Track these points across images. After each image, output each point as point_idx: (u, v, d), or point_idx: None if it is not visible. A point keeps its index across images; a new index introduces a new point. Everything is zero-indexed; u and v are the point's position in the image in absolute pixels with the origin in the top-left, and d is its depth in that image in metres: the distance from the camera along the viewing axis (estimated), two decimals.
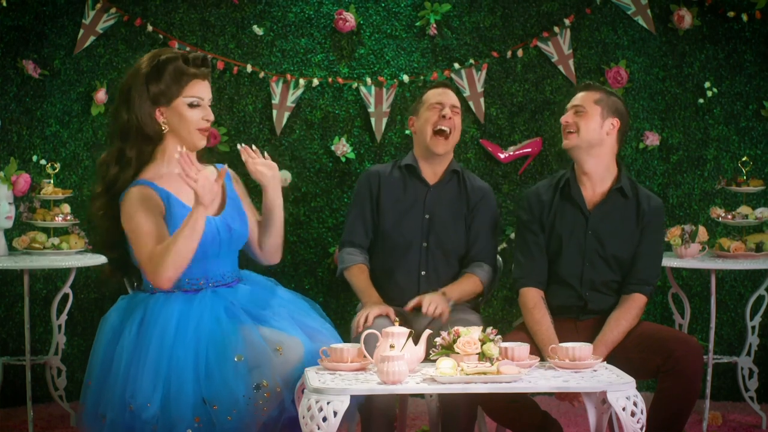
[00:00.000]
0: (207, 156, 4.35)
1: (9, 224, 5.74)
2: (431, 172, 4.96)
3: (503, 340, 4.11)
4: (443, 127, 4.87)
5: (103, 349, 4.08)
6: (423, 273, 4.89)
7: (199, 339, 4.01)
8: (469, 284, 4.84)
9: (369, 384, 3.80)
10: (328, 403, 3.71)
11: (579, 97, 4.70)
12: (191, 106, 4.14)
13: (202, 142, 4.19)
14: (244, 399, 3.91)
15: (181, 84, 4.13)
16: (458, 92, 4.96)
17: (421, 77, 6.15)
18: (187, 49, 5.98)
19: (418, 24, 6.16)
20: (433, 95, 4.94)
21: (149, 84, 4.11)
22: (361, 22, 6.16)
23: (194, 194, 3.96)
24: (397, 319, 4.20)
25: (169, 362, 3.95)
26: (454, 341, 3.95)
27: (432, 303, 4.64)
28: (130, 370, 3.95)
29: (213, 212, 4.17)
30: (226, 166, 4.19)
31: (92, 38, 6.10)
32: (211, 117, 4.18)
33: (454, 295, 4.74)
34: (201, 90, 4.16)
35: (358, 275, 4.86)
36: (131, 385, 3.93)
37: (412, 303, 4.69)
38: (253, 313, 4.11)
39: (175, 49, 4.19)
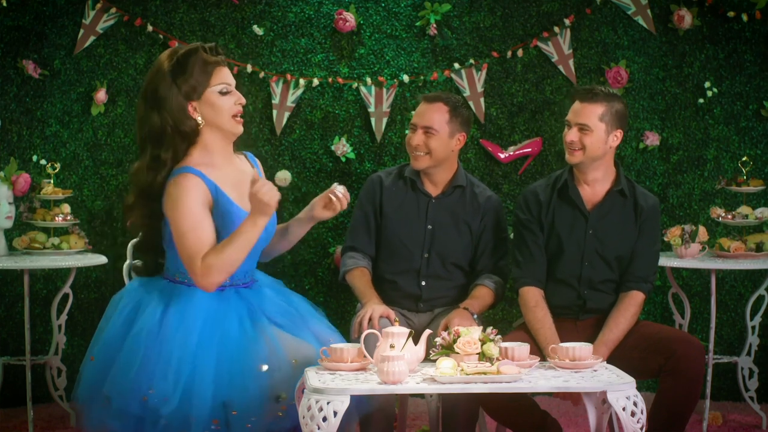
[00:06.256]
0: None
1: (9, 224, 5.74)
2: (431, 185, 4.94)
3: (503, 340, 4.11)
4: (416, 153, 4.86)
5: (116, 329, 4.02)
6: (423, 283, 4.88)
7: (224, 343, 3.97)
8: (486, 296, 4.81)
9: (369, 384, 3.80)
10: (328, 403, 3.71)
11: (582, 113, 4.64)
12: (222, 93, 4.07)
13: (239, 128, 4.11)
14: (264, 408, 3.90)
15: (208, 73, 4.04)
16: (449, 103, 4.88)
17: (421, 77, 6.16)
18: None
19: (418, 24, 6.16)
20: (416, 111, 4.93)
21: (177, 80, 4.02)
22: (361, 22, 6.16)
23: (257, 203, 3.92)
24: (397, 319, 4.20)
25: (193, 362, 3.91)
26: (454, 341, 3.95)
27: (461, 323, 4.58)
28: (149, 361, 3.90)
29: (247, 208, 4.09)
30: (259, 163, 4.26)
31: (92, 38, 6.09)
32: (243, 100, 4.11)
33: (476, 309, 4.73)
34: (227, 76, 4.09)
35: (360, 278, 4.85)
36: (148, 376, 3.88)
37: (440, 330, 4.59)
38: (275, 320, 4.10)
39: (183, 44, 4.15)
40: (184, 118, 4.04)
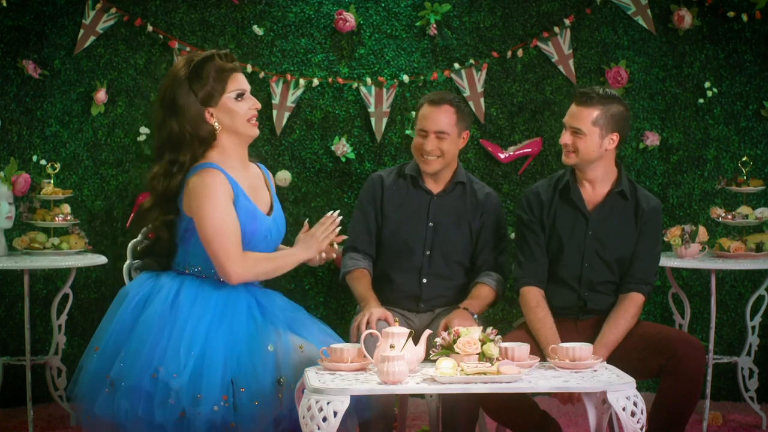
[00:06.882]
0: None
1: (9, 224, 5.74)
2: (433, 182, 4.94)
3: (503, 340, 4.11)
4: (428, 157, 4.85)
5: (125, 318, 4.07)
6: (425, 281, 4.88)
7: (233, 325, 4.06)
8: (487, 295, 4.81)
9: (369, 384, 3.80)
10: (328, 403, 3.72)
11: (576, 117, 4.63)
12: (238, 98, 4.15)
13: (254, 131, 4.22)
14: (270, 389, 3.96)
15: (224, 80, 4.13)
16: (454, 103, 4.87)
17: (421, 77, 6.15)
18: (188, 49, 6.01)
19: (418, 24, 6.16)
20: (422, 116, 4.89)
21: (193, 87, 4.11)
22: (361, 22, 6.16)
23: (309, 239, 4.23)
24: (397, 319, 4.20)
25: (204, 341, 3.99)
26: (454, 341, 3.95)
27: (461, 324, 4.56)
28: (161, 341, 3.97)
29: (265, 211, 4.24)
30: (271, 176, 4.36)
31: (92, 38, 6.09)
32: (258, 105, 4.21)
33: (476, 309, 4.73)
34: (242, 82, 4.18)
35: (360, 279, 4.85)
36: (159, 354, 3.95)
37: (440, 330, 4.58)
38: (284, 319, 4.15)
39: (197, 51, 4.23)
40: (202, 123, 4.14)
